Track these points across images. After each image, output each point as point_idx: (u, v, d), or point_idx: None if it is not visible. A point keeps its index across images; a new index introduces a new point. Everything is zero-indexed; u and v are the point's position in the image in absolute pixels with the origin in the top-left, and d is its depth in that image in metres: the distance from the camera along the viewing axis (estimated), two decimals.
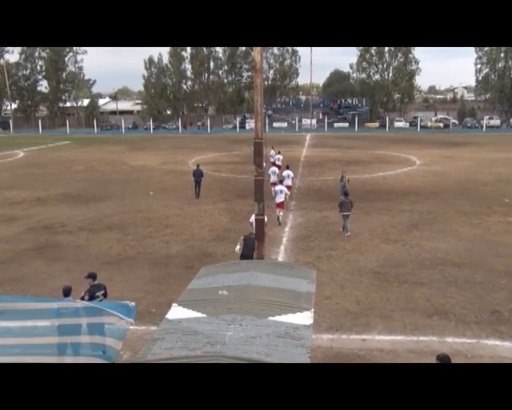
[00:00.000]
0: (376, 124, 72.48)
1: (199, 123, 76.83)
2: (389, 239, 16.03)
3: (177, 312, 6.31)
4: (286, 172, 22.23)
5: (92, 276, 8.78)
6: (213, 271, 8.07)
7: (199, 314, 6.10)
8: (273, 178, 22.14)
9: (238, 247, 11.86)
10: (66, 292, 8.02)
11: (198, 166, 24.18)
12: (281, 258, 14.15)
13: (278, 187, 19.04)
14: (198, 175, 23.55)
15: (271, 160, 26.71)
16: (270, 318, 5.94)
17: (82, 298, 8.17)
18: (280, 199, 18.53)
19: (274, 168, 23.53)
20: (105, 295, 8.70)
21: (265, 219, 11.22)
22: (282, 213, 18.53)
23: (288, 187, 21.04)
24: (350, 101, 76.72)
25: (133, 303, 6.58)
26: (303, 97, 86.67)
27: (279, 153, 28.33)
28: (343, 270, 13.27)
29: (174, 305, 6.51)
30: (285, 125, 74.13)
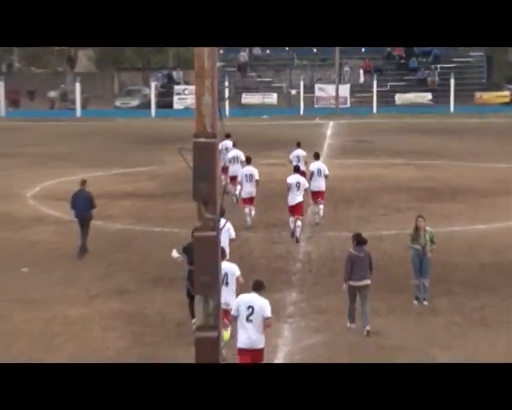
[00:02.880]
0: (507, 95, 41.67)
1: (52, 94, 42.39)
2: None
3: None
4: (314, 166, 17.37)
5: None
6: None
7: None
8: (247, 189, 16.37)
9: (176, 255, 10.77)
10: None
11: (84, 183, 15.08)
12: None
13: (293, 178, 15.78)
14: (82, 204, 14.48)
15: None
16: None
17: None
18: (296, 200, 15.58)
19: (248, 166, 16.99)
20: None
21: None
22: (299, 224, 15.26)
23: (321, 194, 16.82)
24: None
25: None
26: None
27: (298, 144, 19.77)
28: None
29: None
30: (273, 98, 41.98)
